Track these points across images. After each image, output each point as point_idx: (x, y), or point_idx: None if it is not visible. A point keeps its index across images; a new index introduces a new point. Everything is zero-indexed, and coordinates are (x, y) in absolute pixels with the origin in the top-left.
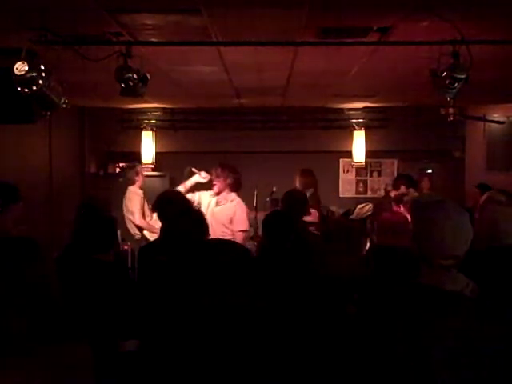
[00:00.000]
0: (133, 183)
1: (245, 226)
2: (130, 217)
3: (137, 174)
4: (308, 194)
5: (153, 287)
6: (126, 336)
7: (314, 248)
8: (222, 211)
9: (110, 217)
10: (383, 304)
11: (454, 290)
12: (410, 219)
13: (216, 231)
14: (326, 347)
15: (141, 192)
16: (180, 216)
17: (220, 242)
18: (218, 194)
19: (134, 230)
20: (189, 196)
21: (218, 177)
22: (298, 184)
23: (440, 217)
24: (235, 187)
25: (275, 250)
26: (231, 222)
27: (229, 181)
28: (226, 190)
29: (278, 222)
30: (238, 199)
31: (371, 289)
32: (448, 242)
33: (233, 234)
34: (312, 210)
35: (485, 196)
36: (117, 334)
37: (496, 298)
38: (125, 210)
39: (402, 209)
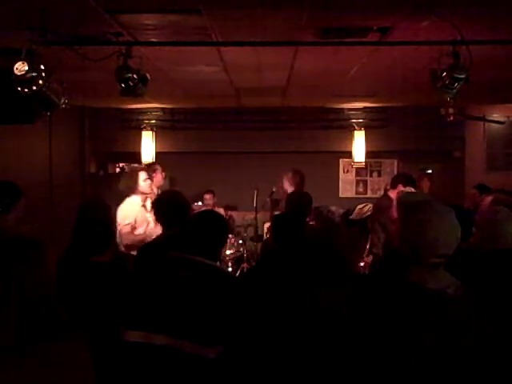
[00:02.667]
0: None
1: None
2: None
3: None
4: None
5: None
6: (130, 326)
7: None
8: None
9: (106, 218)
10: (373, 303)
11: (436, 288)
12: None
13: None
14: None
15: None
16: (181, 216)
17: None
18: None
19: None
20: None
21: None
22: (289, 184)
23: (433, 216)
24: None
25: (285, 252)
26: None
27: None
28: None
29: (290, 223)
30: None
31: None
32: (442, 240)
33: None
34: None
35: (489, 198)
36: (118, 326)
37: (489, 299)
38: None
39: None
